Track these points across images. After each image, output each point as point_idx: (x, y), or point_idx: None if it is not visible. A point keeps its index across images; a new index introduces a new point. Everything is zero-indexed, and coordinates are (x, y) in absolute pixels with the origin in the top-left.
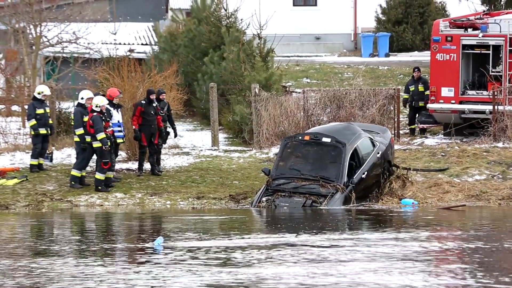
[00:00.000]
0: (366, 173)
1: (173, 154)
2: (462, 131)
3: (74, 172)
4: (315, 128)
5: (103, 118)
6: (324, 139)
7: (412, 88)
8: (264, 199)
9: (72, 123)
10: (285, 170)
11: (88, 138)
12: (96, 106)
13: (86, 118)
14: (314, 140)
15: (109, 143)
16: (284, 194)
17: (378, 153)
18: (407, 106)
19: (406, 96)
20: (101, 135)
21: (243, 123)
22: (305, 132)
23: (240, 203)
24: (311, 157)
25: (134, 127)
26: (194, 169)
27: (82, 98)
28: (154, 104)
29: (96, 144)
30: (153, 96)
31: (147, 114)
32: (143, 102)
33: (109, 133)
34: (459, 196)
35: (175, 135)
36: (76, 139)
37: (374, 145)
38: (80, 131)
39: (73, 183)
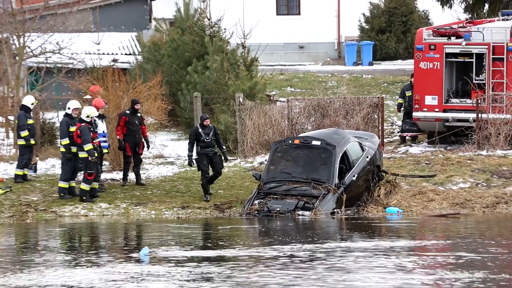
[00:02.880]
0: (356, 175)
1: (158, 164)
2: (446, 139)
3: (62, 184)
4: (303, 134)
5: (92, 129)
6: (314, 142)
7: (409, 93)
8: (256, 202)
9: (58, 133)
10: (276, 173)
11: (73, 149)
12: (87, 117)
13: (72, 128)
14: (304, 143)
15: (96, 154)
16: (276, 196)
17: (367, 157)
18: (401, 111)
19: (400, 100)
20: (88, 146)
21: (227, 132)
22: (295, 136)
23: (225, 212)
24: (301, 160)
25: (118, 137)
26: (179, 179)
27: (69, 108)
28: (139, 114)
29: (82, 154)
30: (137, 106)
31: (132, 124)
32: (128, 112)
33: (96, 144)
34: (443, 204)
35: (225, 160)
36: (62, 149)
37: (363, 150)
38: (65, 141)
39: (62, 194)
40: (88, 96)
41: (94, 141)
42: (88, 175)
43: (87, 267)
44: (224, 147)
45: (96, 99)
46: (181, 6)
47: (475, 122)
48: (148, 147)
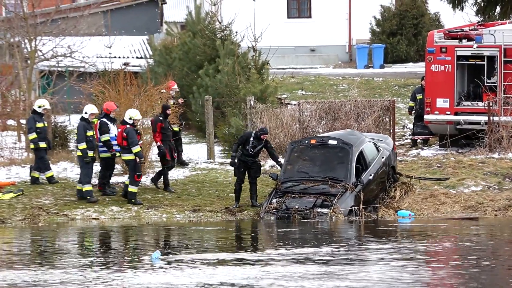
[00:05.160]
0: (372, 175)
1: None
2: (458, 142)
3: (87, 187)
4: (319, 135)
5: (137, 131)
6: (331, 142)
7: (419, 96)
8: (274, 200)
9: (70, 137)
10: (293, 173)
11: (90, 153)
12: (130, 119)
13: (89, 133)
14: (320, 143)
15: (143, 156)
16: (294, 195)
17: (383, 157)
18: (412, 114)
19: (411, 103)
20: (136, 148)
21: (238, 135)
22: (311, 136)
23: (236, 215)
24: (318, 159)
25: (158, 143)
26: (190, 182)
27: (86, 113)
28: (167, 120)
29: (128, 157)
30: (169, 111)
31: (166, 129)
32: (161, 118)
33: (141, 146)
34: (455, 207)
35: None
36: (79, 153)
37: (378, 150)
38: (82, 145)
39: (88, 197)
40: (163, 90)
41: (139, 143)
42: (137, 176)
43: (229, 265)
44: (279, 159)
45: (108, 103)
46: (192, 9)
47: (487, 125)
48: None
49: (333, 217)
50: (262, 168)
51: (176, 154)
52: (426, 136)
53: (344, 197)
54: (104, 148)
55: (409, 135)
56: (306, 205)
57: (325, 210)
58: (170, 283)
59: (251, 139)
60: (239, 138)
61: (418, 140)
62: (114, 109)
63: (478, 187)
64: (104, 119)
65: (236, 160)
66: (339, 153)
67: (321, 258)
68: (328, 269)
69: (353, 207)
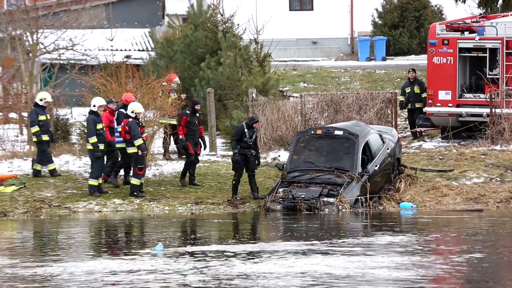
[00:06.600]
0: (378, 166)
1: (171, 160)
2: (460, 134)
3: (92, 182)
4: (324, 126)
5: (139, 123)
6: (337, 132)
7: (408, 90)
8: (280, 190)
9: (72, 129)
10: (299, 163)
11: (101, 146)
12: (132, 112)
13: (99, 126)
14: (326, 133)
15: (146, 149)
16: (300, 185)
17: (388, 149)
18: (404, 108)
19: (402, 98)
20: (139, 141)
21: None
22: (317, 126)
23: (238, 208)
24: (324, 149)
25: (180, 136)
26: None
27: (94, 106)
28: (197, 115)
29: (131, 150)
30: (197, 107)
31: (192, 124)
32: (188, 112)
33: (144, 139)
34: (457, 199)
35: (258, 163)
36: (89, 147)
37: (383, 141)
38: (93, 139)
39: (92, 191)
40: (165, 83)
41: (142, 136)
42: (139, 169)
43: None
44: (259, 151)
45: (126, 94)
46: (194, 2)
47: (489, 117)
48: (205, 147)
49: (340, 207)
50: (264, 160)
51: (200, 150)
52: (426, 129)
53: (350, 187)
54: (120, 139)
55: (410, 128)
56: (313, 194)
57: (331, 200)
58: (263, 272)
59: (245, 130)
60: (234, 134)
61: (418, 132)
62: (132, 101)
63: (480, 179)
64: (122, 110)
65: (237, 156)
66: (345, 143)
67: (402, 249)
68: (411, 259)
69: (359, 197)
